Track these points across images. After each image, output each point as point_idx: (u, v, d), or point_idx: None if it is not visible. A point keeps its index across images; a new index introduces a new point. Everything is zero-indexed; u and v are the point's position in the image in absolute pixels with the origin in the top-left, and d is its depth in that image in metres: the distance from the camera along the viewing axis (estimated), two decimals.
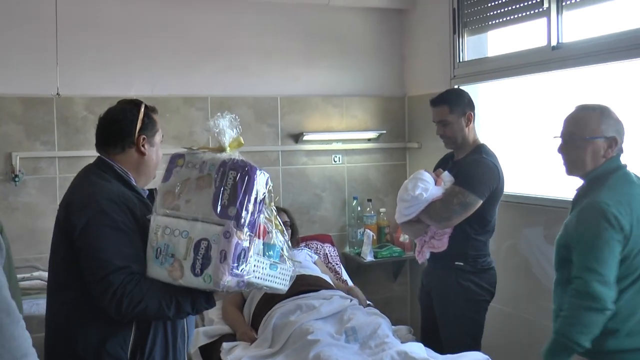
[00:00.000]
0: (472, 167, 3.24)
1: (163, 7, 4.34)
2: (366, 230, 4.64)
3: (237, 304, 3.66)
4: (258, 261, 2.04)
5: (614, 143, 2.41)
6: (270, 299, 3.44)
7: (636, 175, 2.47)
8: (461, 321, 3.31)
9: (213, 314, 3.72)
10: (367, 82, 4.92)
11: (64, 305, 2.20)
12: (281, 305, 3.36)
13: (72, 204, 2.17)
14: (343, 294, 3.56)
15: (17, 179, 3.93)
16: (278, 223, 2.15)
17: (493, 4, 4.06)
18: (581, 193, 2.49)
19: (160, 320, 2.19)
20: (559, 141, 2.53)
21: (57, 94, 3.81)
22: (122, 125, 2.27)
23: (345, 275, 4.19)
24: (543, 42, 3.64)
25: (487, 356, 2.93)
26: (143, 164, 2.31)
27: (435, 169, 3.41)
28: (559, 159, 2.54)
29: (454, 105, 3.32)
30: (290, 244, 2.23)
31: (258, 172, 2.05)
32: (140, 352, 2.18)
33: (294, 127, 4.70)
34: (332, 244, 4.47)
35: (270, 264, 2.09)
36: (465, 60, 4.37)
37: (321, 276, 3.74)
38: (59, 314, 2.22)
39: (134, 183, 2.29)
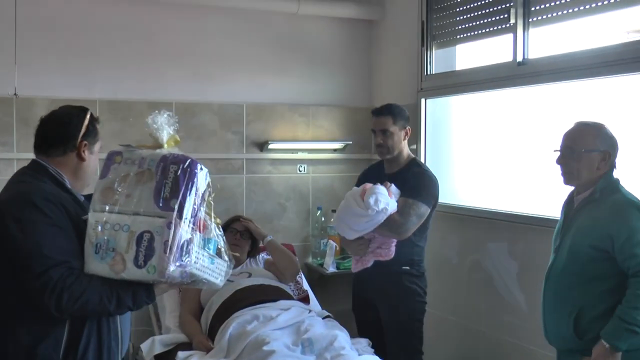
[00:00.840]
0: (419, 179, 3.41)
1: (129, 10, 4.34)
2: (329, 241, 4.66)
3: (194, 313, 3.64)
4: (199, 253, 2.12)
5: (608, 156, 2.63)
6: (229, 308, 3.44)
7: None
8: (411, 324, 3.50)
9: (170, 322, 3.70)
10: (334, 92, 4.96)
11: None
12: (239, 314, 3.35)
13: (4, 204, 2.18)
14: (302, 304, 3.56)
15: None
16: (215, 217, 2.22)
17: (461, 17, 4.11)
18: (587, 201, 2.67)
19: (97, 317, 2.22)
20: (556, 154, 2.74)
21: (15, 94, 3.78)
22: (68, 128, 2.32)
23: (305, 285, 4.19)
24: (509, 58, 3.69)
25: None
26: (81, 169, 2.35)
27: (359, 183, 3.47)
28: (556, 169, 2.77)
29: (398, 117, 3.49)
30: (225, 239, 2.28)
31: (199, 166, 2.13)
32: (73, 354, 2.19)
33: (259, 135, 4.71)
34: (294, 254, 4.45)
35: (209, 257, 2.17)
36: (433, 73, 4.41)
37: (280, 286, 3.74)
38: None
39: (69, 186, 2.32)
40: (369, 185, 3.26)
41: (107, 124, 4.23)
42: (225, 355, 3.16)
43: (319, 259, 4.79)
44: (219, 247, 2.24)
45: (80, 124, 2.33)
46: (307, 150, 4.87)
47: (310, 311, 3.49)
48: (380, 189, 3.23)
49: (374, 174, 3.61)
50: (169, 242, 2.03)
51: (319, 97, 4.91)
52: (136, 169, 2.16)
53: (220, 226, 2.27)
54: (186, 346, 3.38)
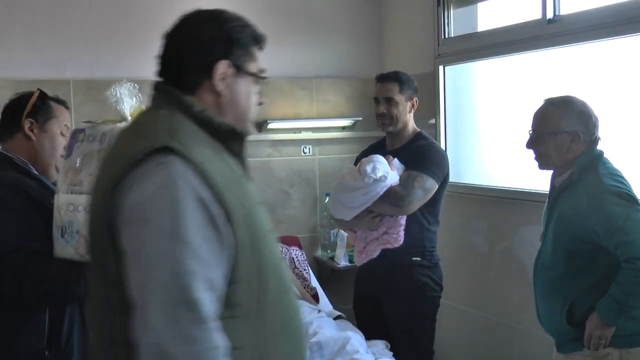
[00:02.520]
0: (426, 151, 3.40)
1: None
2: (340, 231, 4.62)
3: None
4: None
5: (577, 136, 2.71)
6: None
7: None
8: (422, 322, 3.46)
9: None
10: (340, 62, 4.91)
11: None
12: None
13: None
14: (309, 304, 3.55)
15: None
16: None
17: None
18: (566, 185, 2.75)
19: (71, 303, 2.30)
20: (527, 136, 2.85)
21: None
22: (12, 109, 2.45)
23: (314, 282, 4.18)
24: (538, 15, 3.64)
25: None
26: (33, 149, 2.43)
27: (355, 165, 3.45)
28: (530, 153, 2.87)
29: (405, 86, 3.48)
30: None
31: None
32: (57, 341, 2.27)
33: (257, 114, 4.63)
34: (300, 247, 4.47)
35: None
36: (452, 36, 4.37)
37: None
38: None
39: (35, 172, 2.41)
40: (365, 158, 3.26)
41: (84, 106, 4.21)
42: None
43: (329, 251, 4.77)
44: None
45: (24, 103, 2.43)
46: (312, 129, 4.85)
47: (319, 311, 3.50)
48: (378, 157, 3.22)
49: (374, 153, 3.52)
50: None
51: (323, 68, 4.87)
52: (98, 146, 2.21)
53: None
54: None
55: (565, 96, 2.81)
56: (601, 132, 2.77)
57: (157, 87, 1.73)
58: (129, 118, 2.28)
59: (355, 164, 3.52)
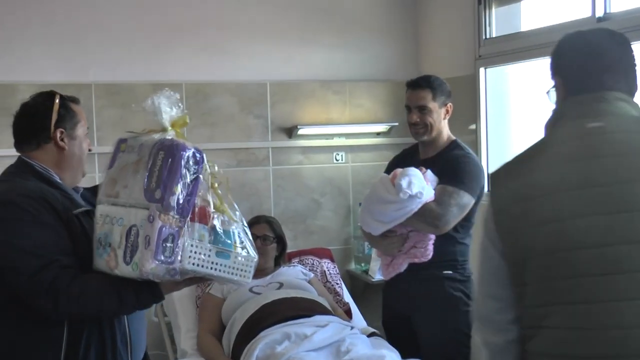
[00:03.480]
0: (461, 164, 3.36)
1: None
2: None
3: (214, 332, 3.66)
4: (197, 247, 2.18)
5: None
6: (255, 326, 3.43)
7: None
8: (456, 340, 3.36)
9: (186, 344, 3.73)
10: (375, 64, 4.91)
11: None
12: (266, 333, 3.34)
13: None
14: (341, 320, 3.54)
15: None
16: (223, 207, 2.29)
17: None
18: None
19: (100, 319, 2.31)
20: None
21: None
22: (35, 120, 2.42)
23: (347, 297, 4.17)
24: (587, 13, 3.63)
25: None
26: (64, 159, 2.45)
27: (389, 170, 3.45)
28: None
29: (438, 92, 3.44)
30: (248, 232, 2.36)
31: (187, 150, 2.17)
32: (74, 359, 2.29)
33: (286, 119, 4.71)
34: (332, 260, 4.45)
35: (218, 252, 2.22)
36: (493, 36, 4.36)
37: (316, 299, 3.72)
38: None
39: (58, 180, 2.42)
40: (400, 169, 3.24)
41: (106, 110, 4.29)
42: None
43: (363, 264, 4.75)
44: (240, 238, 2.30)
45: (48, 112, 2.41)
46: (345, 135, 4.85)
47: (352, 328, 3.47)
48: (414, 170, 3.20)
49: (406, 161, 3.56)
50: (149, 237, 2.10)
51: (357, 70, 4.87)
52: (134, 157, 2.24)
53: (241, 220, 2.34)
54: None
55: None
56: None
57: None
58: (170, 128, 2.26)
59: (387, 171, 3.53)
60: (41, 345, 2.28)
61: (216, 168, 2.28)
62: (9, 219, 2.24)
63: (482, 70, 4.38)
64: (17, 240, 2.22)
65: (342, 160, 4.86)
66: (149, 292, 2.25)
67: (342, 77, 4.84)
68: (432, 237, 3.30)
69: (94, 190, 2.47)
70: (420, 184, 3.15)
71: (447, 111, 3.48)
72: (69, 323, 2.29)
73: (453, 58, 4.62)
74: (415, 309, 3.46)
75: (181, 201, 2.14)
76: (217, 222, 2.24)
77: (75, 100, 2.52)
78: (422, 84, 3.45)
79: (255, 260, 2.31)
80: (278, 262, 4.08)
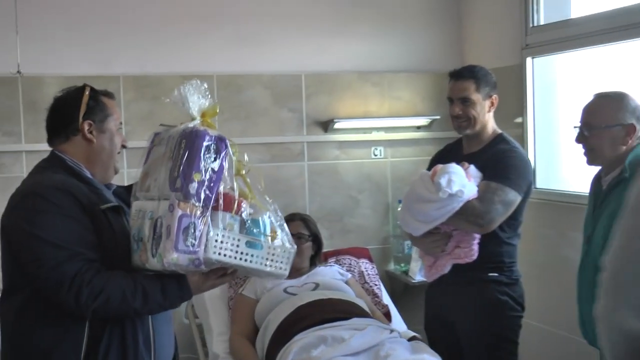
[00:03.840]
0: (507, 158, 3.33)
1: None
2: None
3: (247, 335, 3.66)
4: (224, 236, 2.21)
5: (632, 130, 2.88)
6: (289, 329, 3.42)
7: None
8: (502, 347, 3.38)
9: (218, 348, 3.73)
10: (415, 54, 4.89)
11: (10, 311, 2.40)
12: (302, 337, 3.32)
13: (12, 197, 2.40)
14: (380, 323, 3.51)
15: None
16: (252, 195, 2.33)
17: None
18: (616, 181, 2.90)
19: (126, 317, 2.35)
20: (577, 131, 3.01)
21: (18, 72, 3.83)
22: (63, 112, 2.48)
23: (386, 299, 4.16)
24: None
25: None
26: (93, 152, 2.49)
27: (431, 166, 3.43)
28: (579, 149, 3.04)
29: (482, 82, 3.40)
30: (284, 224, 2.41)
31: (207, 137, 2.21)
32: (94, 358, 2.33)
33: (322, 112, 4.71)
34: (370, 260, 4.45)
35: (248, 241, 2.25)
36: (541, 24, 4.33)
37: (354, 301, 3.70)
38: (6, 322, 2.44)
39: (89, 175, 2.48)
40: (440, 165, 3.21)
41: (134, 104, 4.34)
42: None
43: (402, 265, 4.74)
44: (273, 228, 2.34)
45: (77, 104, 2.45)
46: (383, 129, 4.84)
47: (392, 331, 3.44)
48: (455, 167, 3.16)
49: (449, 156, 3.52)
50: (170, 226, 2.15)
51: (396, 61, 4.85)
52: (163, 150, 2.30)
53: (276, 211, 2.39)
54: None
55: (619, 91, 2.98)
56: None
57: None
58: (198, 118, 2.29)
59: (430, 166, 3.50)
60: (62, 344, 2.32)
61: (246, 157, 2.34)
62: (34, 211, 2.30)
63: (529, 60, 4.35)
64: (42, 232, 2.26)
65: (380, 155, 4.85)
66: (176, 287, 2.30)
67: (380, 68, 4.82)
68: (477, 236, 3.26)
69: (128, 189, 2.51)
70: (461, 182, 3.12)
71: (492, 103, 3.43)
72: (90, 322, 2.33)
73: (498, 47, 4.60)
74: (459, 314, 3.42)
75: (203, 189, 2.18)
76: (246, 211, 2.27)
77: (108, 95, 2.56)
78: (465, 74, 3.41)
79: (293, 251, 2.36)
80: (314, 262, 4.07)
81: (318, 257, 4.09)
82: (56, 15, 4.16)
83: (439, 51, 4.93)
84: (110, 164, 2.54)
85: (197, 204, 2.17)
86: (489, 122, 3.45)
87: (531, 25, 4.34)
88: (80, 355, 2.31)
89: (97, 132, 2.47)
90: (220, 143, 2.22)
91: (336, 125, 4.67)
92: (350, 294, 3.77)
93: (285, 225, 2.39)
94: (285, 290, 3.71)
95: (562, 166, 4.29)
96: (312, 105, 4.66)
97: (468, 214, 3.15)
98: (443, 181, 3.07)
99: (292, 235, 3.78)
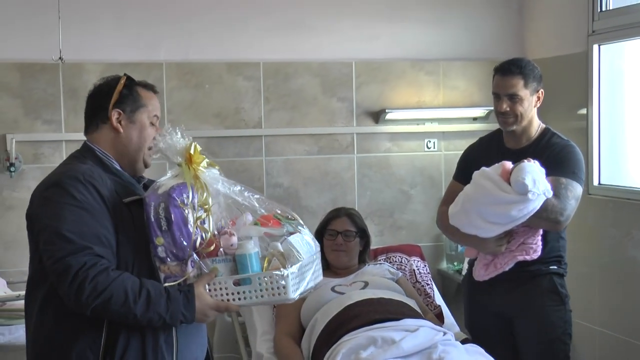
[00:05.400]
0: (569, 154, 3.43)
1: None
2: None
3: (293, 335, 3.67)
4: (211, 283, 2.40)
5: None
6: (337, 329, 3.42)
7: None
8: (563, 340, 3.50)
9: (262, 347, 3.74)
10: (472, 42, 4.90)
11: (34, 303, 2.46)
12: (350, 337, 3.32)
13: (37, 187, 2.47)
14: (433, 324, 3.50)
15: (12, 169, 4.06)
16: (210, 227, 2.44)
17: None
18: None
19: (125, 322, 2.36)
20: None
21: (60, 58, 3.88)
22: (97, 99, 2.53)
23: (438, 299, 4.16)
24: None
25: None
26: (121, 143, 2.54)
27: (467, 164, 3.55)
28: None
29: (529, 78, 3.45)
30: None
31: (152, 203, 2.35)
32: (111, 355, 2.38)
33: (373, 102, 4.73)
34: (422, 258, 4.43)
35: (236, 281, 2.41)
36: (610, 9, 4.29)
37: (404, 300, 3.70)
38: (29, 314, 2.50)
39: (118, 167, 2.54)
40: (508, 163, 3.23)
41: (177, 92, 4.38)
42: None
43: (455, 264, 4.75)
44: (264, 255, 2.46)
45: (111, 91, 2.50)
46: (438, 120, 4.86)
47: (445, 333, 3.43)
48: (531, 166, 3.17)
49: (491, 152, 3.59)
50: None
51: (452, 49, 4.86)
52: None
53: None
54: None
55: None
56: None
57: None
58: (181, 163, 2.43)
59: (465, 161, 3.66)
60: (81, 339, 2.37)
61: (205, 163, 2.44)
62: (53, 201, 2.35)
63: (595, 47, 4.33)
64: (56, 223, 2.31)
65: (434, 147, 4.86)
66: (181, 304, 2.37)
67: (435, 56, 4.83)
68: (541, 232, 3.33)
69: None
70: (544, 180, 3.16)
71: (539, 98, 3.51)
72: (108, 321, 2.39)
73: (562, 34, 4.58)
74: (522, 308, 3.50)
75: (170, 248, 2.34)
76: (228, 250, 2.43)
77: (147, 86, 2.61)
78: (513, 69, 3.47)
79: (286, 274, 2.40)
80: (363, 259, 4.07)
81: (367, 254, 4.09)
82: (99, 2, 4.21)
83: (498, 38, 4.92)
84: (139, 157, 2.58)
85: (172, 263, 2.35)
86: (535, 117, 3.53)
87: (599, 10, 4.29)
88: (99, 350, 2.37)
89: (126, 122, 2.51)
90: (168, 198, 2.33)
91: (388, 116, 4.68)
92: (401, 294, 3.76)
93: (291, 236, 2.51)
94: (333, 289, 3.72)
95: (629, 161, 4.26)
96: (362, 95, 4.68)
97: (548, 211, 3.22)
98: (528, 182, 3.10)
99: (339, 232, 3.88)
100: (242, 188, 2.54)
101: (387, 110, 4.66)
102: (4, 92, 4.09)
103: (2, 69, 4.08)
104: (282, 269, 2.41)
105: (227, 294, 2.40)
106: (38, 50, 4.02)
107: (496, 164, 3.26)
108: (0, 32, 4.06)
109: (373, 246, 4.26)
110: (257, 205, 2.54)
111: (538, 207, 3.16)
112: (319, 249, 2.65)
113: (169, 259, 2.35)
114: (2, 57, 4.07)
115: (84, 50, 4.11)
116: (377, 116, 4.70)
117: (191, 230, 2.37)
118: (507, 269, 3.35)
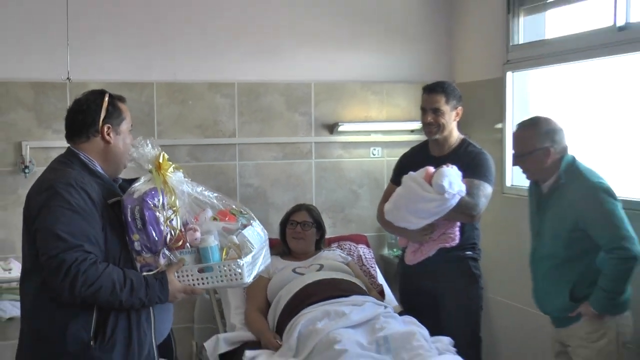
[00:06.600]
0: (482, 160, 3.57)
1: None
2: None
3: (261, 309, 3.69)
4: (180, 271, 2.49)
5: (548, 151, 3.09)
6: (298, 304, 3.48)
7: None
8: (475, 311, 3.70)
9: (235, 319, 3.76)
10: (411, 67, 4.89)
11: (30, 290, 2.48)
12: (308, 311, 3.38)
13: (32, 189, 2.50)
14: (376, 300, 3.56)
15: (27, 171, 4.03)
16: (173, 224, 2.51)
17: None
18: (554, 187, 3.14)
19: (111, 307, 2.41)
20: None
21: (68, 78, 3.88)
22: (86, 115, 2.55)
23: (381, 279, 4.20)
24: (608, 22, 3.58)
25: None
26: (110, 152, 2.58)
27: (402, 168, 3.66)
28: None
29: (450, 96, 3.61)
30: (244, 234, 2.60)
31: (129, 206, 2.41)
32: (102, 334, 2.41)
33: (328, 117, 4.73)
34: (368, 246, 4.47)
35: (201, 268, 2.50)
36: (521, 42, 4.33)
37: (353, 280, 3.75)
38: (26, 300, 2.51)
39: (100, 171, 2.56)
40: (431, 168, 3.32)
41: (166, 107, 4.36)
42: (294, 355, 3.19)
43: (395, 250, 4.75)
44: (223, 246, 2.55)
45: (98, 108, 2.54)
46: (382, 132, 4.85)
47: (386, 307, 3.49)
48: (449, 170, 3.27)
49: (418, 158, 3.68)
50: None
51: (394, 72, 4.86)
52: None
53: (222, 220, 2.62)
54: (253, 344, 3.44)
55: (533, 118, 3.23)
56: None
57: None
58: (151, 170, 2.50)
59: (400, 167, 3.74)
60: (75, 320, 2.40)
61: (172, 168, 2.53)
62: (50, 205, 2.36)
63: (509, 74, 4.35)
64: (52, 224, 2.33)
65: (378, 154, 4.86)
66: (157, 289, 2.44)
67: (380, 79, 4.84)
68: (459, 224, 3.46)
69: (131, 182, 2.58)
70: (458, 182, 3.26)
71: (457, 114, 3.65)
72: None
73: (483, 62, 4.61)
74: (444, 286, 3.61)
75: (144, 243, 2.41)
76: (193, 243, 2.51)
77: (122, 99, 2.65)
78: (437, 89, 3.62)
79: (242, 264, 2.51)
80: (319, 246, 4.12)
81: (322, 242, 4.14)
82: (101, 31, 4.17)
83: (431, 65, 4.90)
84: (122, 161, 2.63)
85: (147, 255, 2.43)
86: (454, 129, 3.67)
87: (512, 43, 4.33)
88: (90, 329, 2.40)
89: (114, 134, 2.56)
90: (142, 202, 2.39)
91: (340, 128, 4.69)
92: (350, 275, 3.81)
93: (242, 237, 2.59)
94: (294, 271, 3.76)
95: None
96: (320, 111, 4.70)
97: (463, 207, 3.33)
98: (445, 183, 3.19)
99: (298, 223, 3.94)
100: (204, 188, 2.62)
101: (340, 123, 4.67)
102: (20, 106, 4.07)
103: (19, 87, 4.06)
104: (238, 260, 2.50)
105: (193, 280, 2.50)
106: (49, 72, 4.01)
107: (421, 169, 3.34)
108: (17, 56, 4.03)
109: (327, 235, 4.30)
110: (215, 202, 2.63)
111: (454, 204, 3.27)
112: (267, 237, 2.75)
113: (144, 252, 2.43)
114: (19, 77, 4.05)
115: (88, 71, 4.07)
116: (331, 128, 4.70)
117: (162, 228, 2.43)
118: (431, 254, 3.48)
